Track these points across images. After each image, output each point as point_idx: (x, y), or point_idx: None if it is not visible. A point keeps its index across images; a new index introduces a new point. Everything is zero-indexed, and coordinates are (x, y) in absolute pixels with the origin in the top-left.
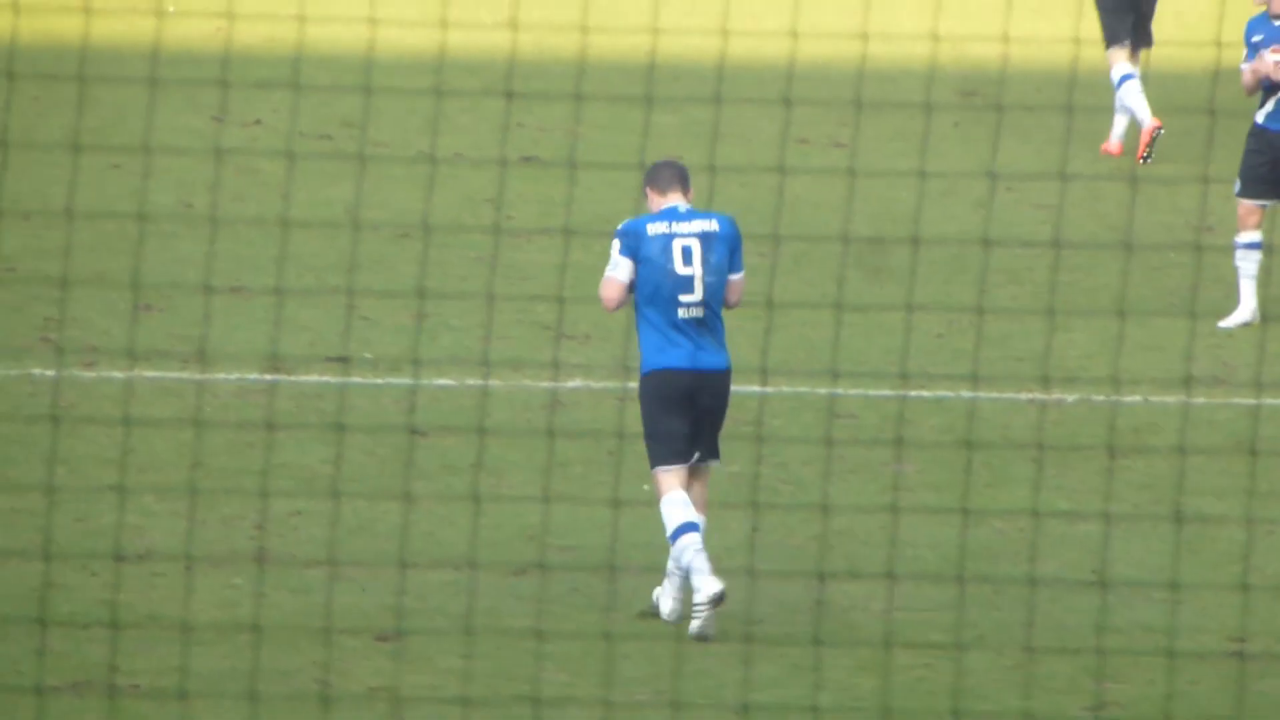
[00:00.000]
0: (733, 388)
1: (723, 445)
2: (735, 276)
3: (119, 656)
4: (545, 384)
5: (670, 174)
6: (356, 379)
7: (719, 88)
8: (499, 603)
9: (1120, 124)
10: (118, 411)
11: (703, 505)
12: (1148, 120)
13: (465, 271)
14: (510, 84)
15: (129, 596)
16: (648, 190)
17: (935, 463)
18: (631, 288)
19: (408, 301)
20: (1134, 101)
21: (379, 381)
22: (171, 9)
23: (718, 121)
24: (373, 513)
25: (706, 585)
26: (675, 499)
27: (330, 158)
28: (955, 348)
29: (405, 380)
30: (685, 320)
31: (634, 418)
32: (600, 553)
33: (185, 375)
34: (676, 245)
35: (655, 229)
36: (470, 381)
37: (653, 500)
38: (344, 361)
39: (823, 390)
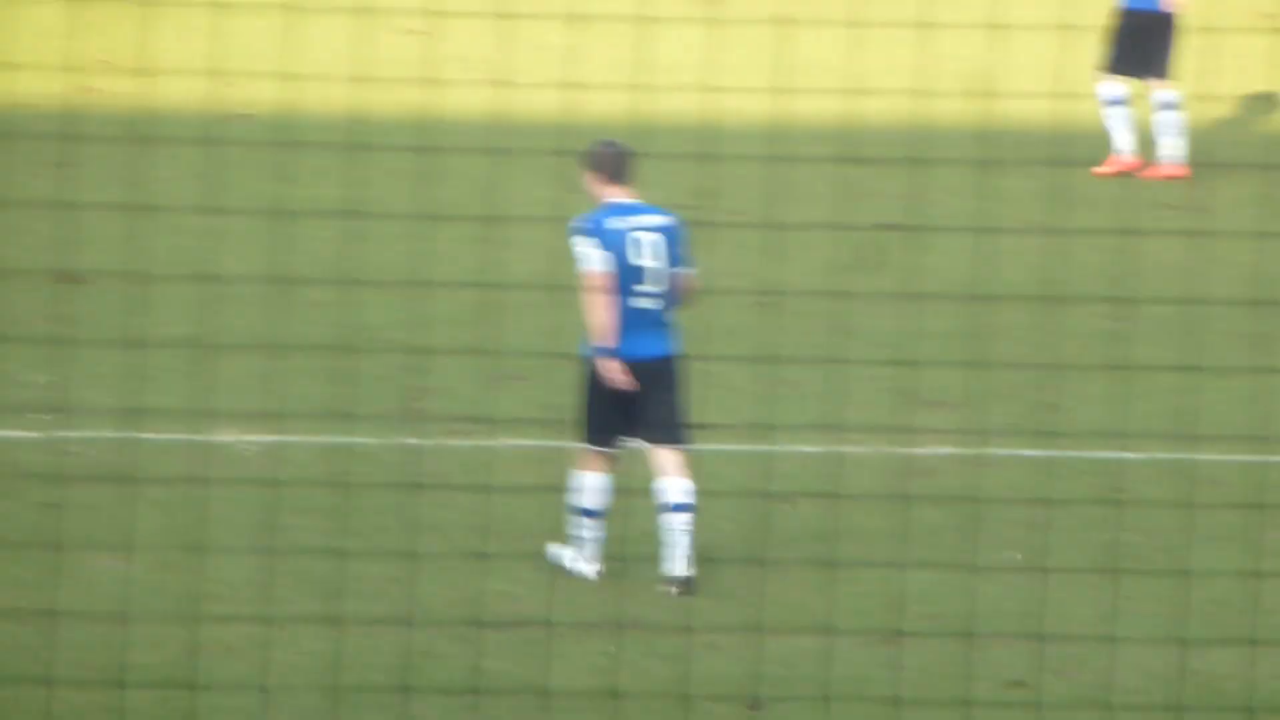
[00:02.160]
0: (1099, 453)
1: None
2: (685, 271)
3: None
4: (903, 450)
5: (622, 164)
6: (712, 445)
7: (1059, 151)
8: (861, 670)
9: None
10: (480, 480)
11: (682, 475)
12: None
13: (819, 339)
14: (858, 150)
15: (495, 663)
16: (595, 176)
17: None
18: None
19: (762, 368)
20: None
21: (734, 448)
22: (524, 79)
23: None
24: (736, 579)
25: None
26: (596, 481)
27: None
28: None
29: (760, 447)
30: (638, 309)
31: (994, 483)
32: (961, 620)
33: (543, 443)
34: (633, 239)
35: (613, 224)
36: (828, 448)
37: (1018, 567)
38: (703, 430)
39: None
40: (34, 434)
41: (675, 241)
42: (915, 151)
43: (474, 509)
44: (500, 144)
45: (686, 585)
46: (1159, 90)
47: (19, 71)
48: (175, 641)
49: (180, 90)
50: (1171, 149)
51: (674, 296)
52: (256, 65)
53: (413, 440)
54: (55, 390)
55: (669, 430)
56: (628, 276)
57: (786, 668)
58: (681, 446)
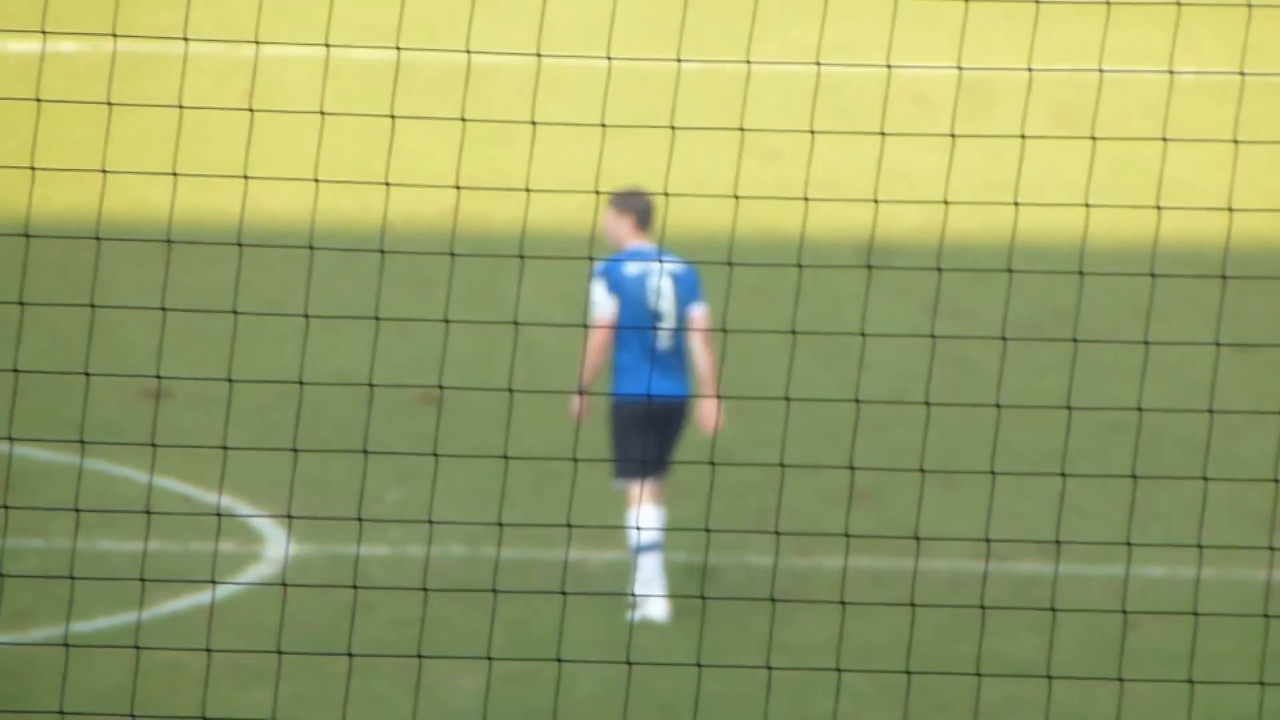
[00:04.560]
0: None
1: None
2: (698, 310)
3: None
4: (1258, 572)
5: (649, 213)
6: (1068, 568)
7: None
8: None
9: None
10: (835, 594)
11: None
12: None
13: (1177, 460)
14: (1223, 269)
15: None
16: (623, 222)
17: None
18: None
19: (1120, 490)
20: None
21: (1085, 569)
22: (882, 198)
23: None
24: (1086, 700)
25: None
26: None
27: (1041, 345)
28: None
29: (1112, 569)
30: (656, 352)
31: None
32: None
33: (897, 562)
34: (650, 283)
35: (632, 269)
36: (1183, 570)
37: None
38: (1056, 547)
39: None
40: (386, 549)
41: (689, 286)
42: (1274, 269)
43: (820, 627)
44: (860, 262)
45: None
46: None
47: (388, 191)
48: None
49: (542, 209)
50: None
51: (690, 336)
52: (619, 182)
53: (757, 559)
54: (409, 506)
55: (663, 466)
56: (645, 319)
57: None
58: (663, 479)
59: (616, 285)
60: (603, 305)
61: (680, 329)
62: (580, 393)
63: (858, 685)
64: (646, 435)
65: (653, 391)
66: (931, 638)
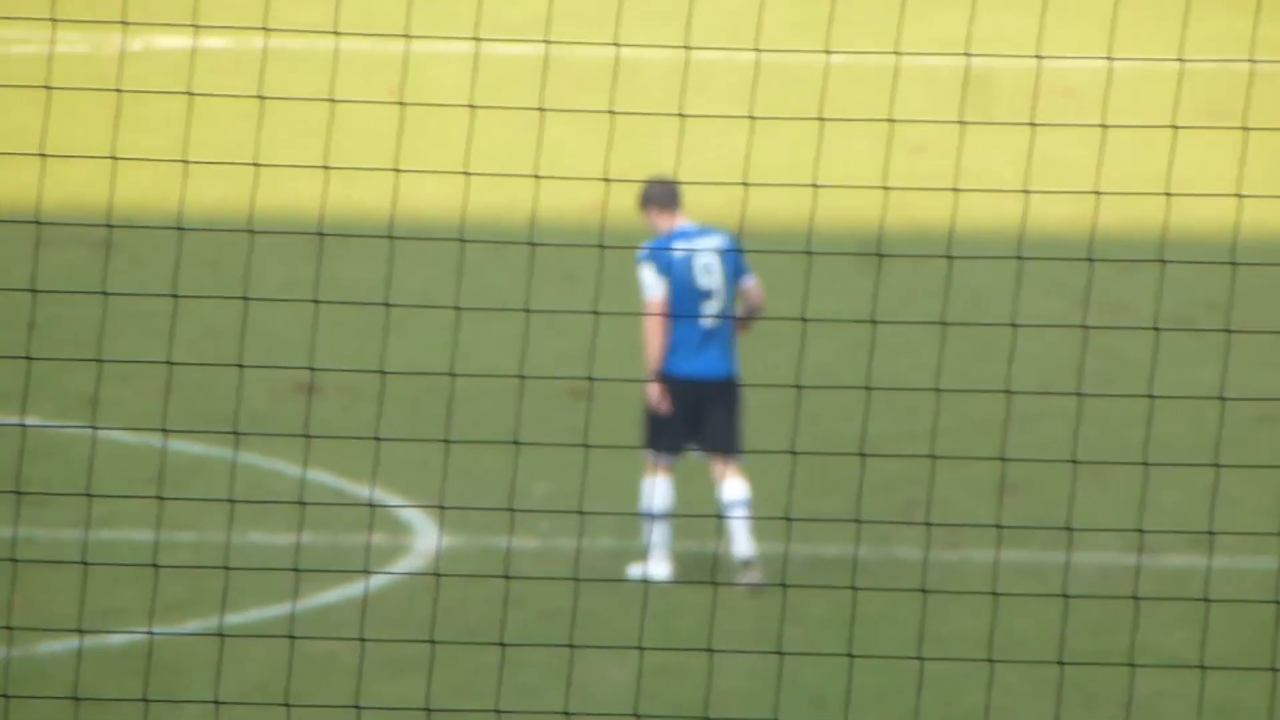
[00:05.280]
0: None
1: None
2: (750, 282)
3: None
4: None
5: (673, 195)
6: (1220, 560)
7: None
8: None
9: None
10: (985, 587)
11: (737, 476)
12: None
13: None
14: None
15: None
16: (654, 210)
17: None
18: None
19: (1272, 480)
20: None
21: (1243, 562)
22: (1032, 190)
23: None
24: (1238, 692)
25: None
26: (659, 485)
27: (1193, 337)
28: None
29: (1269, 560)
30: (704, 330)
31: None
32: None
33: (1047, 556)
34: (697, 262)
35: (678, 250)
36: None
37: None
38: (1209, 536)
39: None
40: (536, 542)
41: (735, 260)
42: None
43: (970, 619)
44: (1009, 254)
45: (749, 564)
46: None
47: (537, 184)
48: None
49: (689, 202)
50: None
51: (745, 309)
52: (766, 176)
53: (906, 551)
54: (558, 498)
55: (727, 443)
56: (694, 298)
57: None
58: (736, 458)
59: (665, 267)
60: (653, 288)
61: (730, 308)
62: (658, 379)
63: (1008, 678)
64: (690, 414)
65: (702, 370)
66: (1082, 630)
